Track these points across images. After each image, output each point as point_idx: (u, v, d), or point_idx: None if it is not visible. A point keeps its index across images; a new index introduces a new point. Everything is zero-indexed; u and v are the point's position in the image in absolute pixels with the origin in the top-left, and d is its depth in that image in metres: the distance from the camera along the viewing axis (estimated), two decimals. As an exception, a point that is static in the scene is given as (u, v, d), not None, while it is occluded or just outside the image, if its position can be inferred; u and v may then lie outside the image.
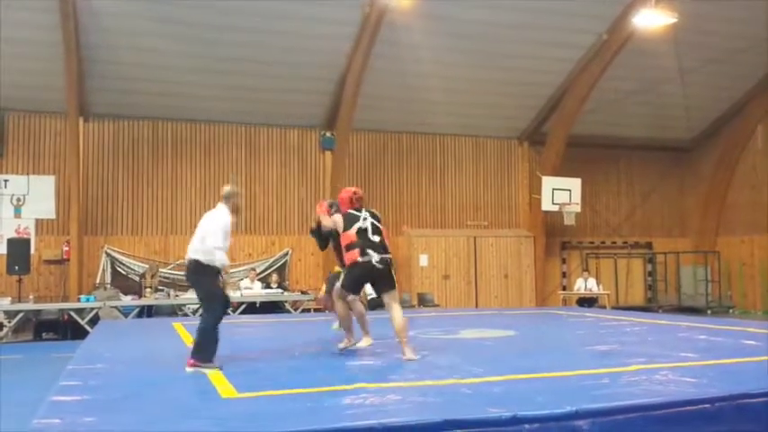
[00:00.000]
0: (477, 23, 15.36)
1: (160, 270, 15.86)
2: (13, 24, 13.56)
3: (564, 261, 20.10)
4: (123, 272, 15.87)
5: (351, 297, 6.86)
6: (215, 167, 16.97)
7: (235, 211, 6.37)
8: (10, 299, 14.29)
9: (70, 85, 14.48)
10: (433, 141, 18.81)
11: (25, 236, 15.18)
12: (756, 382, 4.68)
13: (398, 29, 14.93)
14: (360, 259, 6.46)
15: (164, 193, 16.59)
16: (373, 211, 6.97)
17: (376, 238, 6.60)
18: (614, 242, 20.52)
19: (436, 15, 14.83)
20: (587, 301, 17.43)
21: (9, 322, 13.61)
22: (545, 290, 19.19)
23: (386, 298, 6.64)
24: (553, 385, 4.83)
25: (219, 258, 6.05)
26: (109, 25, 14.23)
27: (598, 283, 18.37)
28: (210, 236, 6.06)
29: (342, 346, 6.88)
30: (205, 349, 5.84)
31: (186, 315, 14.31)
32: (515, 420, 3.83)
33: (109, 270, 15.75)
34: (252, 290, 15.51)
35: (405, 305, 16.79)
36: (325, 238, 7.60)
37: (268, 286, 15.86)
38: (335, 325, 8.17)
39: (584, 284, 17.96)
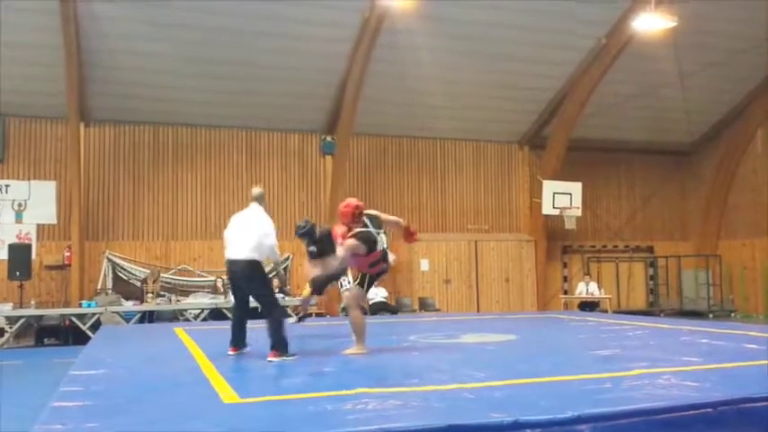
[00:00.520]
0: (476, 27, 15.39)
1: (161, 275, 15.87)
2: (13, 29, 13.61)
3: (565, 265, 20.10)
4: (125, 277, 15.88)
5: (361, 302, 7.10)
6: (216, 172, 16.99)
7: (267, 211, 6.93)
8: (11, 304, 14.31)
9: (71, 90, 14.51)
10: (434, 145, 18.83)
11: (26, 241, 15.19)
12: (759, 386, 4.67)
13: (398, 33, 14.97)
14: (384, 266, 6.90)
15: (165, 197, 16.61)
16: (372, 215, 6.88)
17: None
18: (615, 246, 20.51)
19: (436, 19, 14.86)
20: (589, 305, 17.41)
21: (10, 328, 13.61)
22: (546, 294, 19.18)
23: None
24: (555, 390, 4.81)
25: (278, 256, 6.76)
26: (110, 30, 14.26)
27: (599, 287, 18.37)
28: (268, 237, 6.55)
29: (351, 352, 6.84)
30: (282, 343, 6.32)
31: (188, 320, 14.30)
32: (517, 425, 3.81)
33: (110, 275, 15.76)
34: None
35: (406, 309, 16.83)
36: (321, 251, 7.76)
37: (269, 291, 15.81)
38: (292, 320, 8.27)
39: (586, 288, 17.95)
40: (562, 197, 18.50)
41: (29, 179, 15.65)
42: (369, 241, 6.60)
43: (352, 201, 6.87)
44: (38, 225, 15.58)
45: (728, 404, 4.27)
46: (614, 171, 20.66)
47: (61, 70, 14.25)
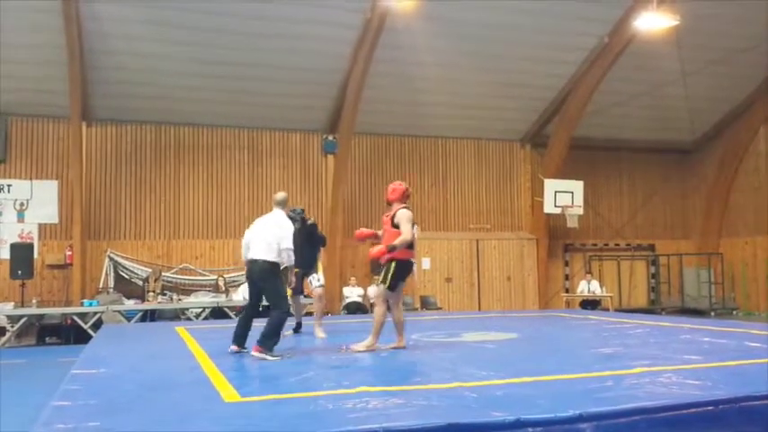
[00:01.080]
0: (478, 26, 15.38)
1: (163, 274, 15.88)
2: (16, 29, 13.62)
3: (567, 263, 20.08)
4: (126, 276, 15.88)
5: (392, 301, 7.09)
6: (217, 171, 17.00)
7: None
8: (13, 303, 14.33)
9: (73, 90, 14.51)
10: (435, 144, 18.82)
11: (28, 240, 15.21)
12: (761, 384, 4.66)
13: (400, 33, 14.95)
14: (411, 258, 6.96)
15: (166, 197, 16.62)
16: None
17: None
18: (617, 244, 20.50)
19: (437, 19, 14.85)
20: (590, 304, 17.40)
21: (12, 327, 13.62)
22: (548, 292, 19.17)
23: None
24: (557, 388, 4.81)
25: (292, 259, 6.90)
26: (112, 30, 14.26)
27: (601, 286, 18.35)
28: (285, 240, 6.85)
29: (360, 347, 6.97)
30: (271, 340, 6.54)
31: (189, 319, 14.31)
32: (519, 424, 3.82)
33: (112, 274, 15.77)
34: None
35: (407, 308, 16.82)
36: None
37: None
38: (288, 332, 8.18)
39: (588, 287, 17.94)
40: (564, 196, 18.48)
41: (31, 179, 15.67)
42: (412, 219, 6.92)
43: (401, 182, 7.34)
44: (40, 224, 15.60)
45: (730, 402, 4.27)
46: (616, 169, 20.64)
47: (63, 70, 14.26)
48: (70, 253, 15.40)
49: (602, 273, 19.92)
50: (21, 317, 13.68)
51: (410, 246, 6.86)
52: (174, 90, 15.67)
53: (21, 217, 15.51)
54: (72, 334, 13.96)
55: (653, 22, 14.43)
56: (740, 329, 8.94)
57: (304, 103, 16.81)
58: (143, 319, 14.41)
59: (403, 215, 6.89)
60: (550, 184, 18.40)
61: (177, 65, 15.05)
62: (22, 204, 15.55)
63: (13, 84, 14.58)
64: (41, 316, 14.21)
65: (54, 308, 14.63)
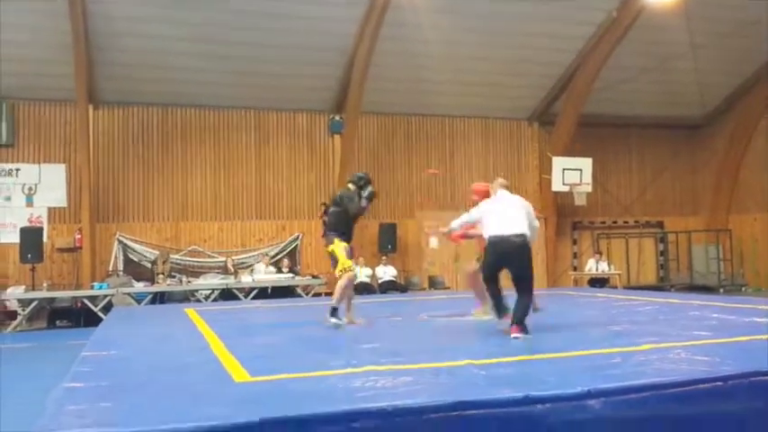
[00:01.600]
0: (484, 3, 15.24)
1: (172, 256, 15.95)
2: (20, 14, 13.58)
3: (575, 242, 20.04)
4: (135, 259, 15.96)
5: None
6: (224, 152, 17.00)
7: None
8: (24, 287, 14.44)
9: (79, 73, 14.49)
10: (443, 123, 18.74)
11: (38, 224, 15.27)
12: (770, 360, 4.65)
13: (405, 10, 14.82)
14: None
15: (174, 179, 16.65)
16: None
17: None
18: (626, 222, 20.43)
19: (443, -4, 14.70)
20: (599, 281, 17.39)
21: (23, 310, 13.74)
22: (556, 271, 19.16)
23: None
24: (565, 365, 4.82)
25: (535, 237, 6.83)
26: (116, 12, 14.21)
27: (609, 264, 18.31)
28: (533, 218, 6.77)
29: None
30: (525, 318, 6.40)
31: (199, 301, 14.39)
32: (528, 401, 3.83)
33: (121, 257, 15.85)
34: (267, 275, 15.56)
35: (415, 288, 16.86)
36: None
37: (279, 271, 15.91)
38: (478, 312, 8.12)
39: (596, 266, 17.91)
40: (572, 173, 18.38)
41: (39, 163, 15.70)
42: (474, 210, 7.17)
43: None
44: (48, 208, 15.65)
45: (739, 378, 4.27)
46: (625, 146, 20.51)
47: (69, 53, 14.22)
48: (79, 236, 15.47)
49: (610, 250, 19.87)
50: (31, 300, 13.79)
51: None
52: (179, 72, 15.62)
53: (29, 201, 15.57)
54: (82, 317, 14.06)
55: (662, -4, 14.26)
56: (749, 305, 8.91)
57: (310, 83, 16.74)
58: (153, 301, 14.50)
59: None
60: (558, 162, 18.30)
61: (183, 46, 14.99)
62: (30, 189, 15.61)
63: (19, 68, 14.56)
64: (52, 299, 14.32)
65: (64, 291, 14.72)
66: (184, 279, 15.20)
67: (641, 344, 5.56)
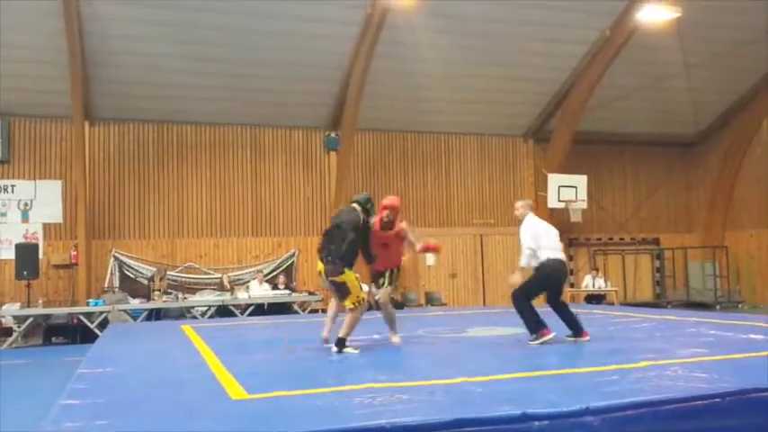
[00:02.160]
0: (479, 21, 15.35)
1: (168, 273, 15.91)
2: (17, 30, 13.64)
3: (571, 258, 20.01)
4: (131, 275, 15.91)
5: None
6: (220, 169, 17.02)
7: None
8: (19, 304, 14.36)
9: (75, 90, 14.53)
10: (438, 140, 18.80)
11: (33, 241, 15.23)
12: (766, 377, 4.66)
13: (401, 28, 14.92)
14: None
15: (170, 195, 16.64)
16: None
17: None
18: (622, 238, 20.47)
19: (438, 14, 14.82)
20: (595, 298, 17.38)
21: (19, 327, 13.67)
22: (553, 287, 19.10)
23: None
24: (562, 382, 4.81)
25: None
26: (112, 30, 14.27)
27: (606, 281, 18.31)
28: None
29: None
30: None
31: (195, 317, 14.34)
32: (525, 418, 3.82)
33: (117, 274, 15.81)
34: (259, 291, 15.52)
35: (412, 304, 16.84)
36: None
37: (275, 287, 15.88)
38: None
39: (593, 282, 17.91)
40: (567, 190, 18.44)
41: (34, 179, 15.69)
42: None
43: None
44: (44, 224, 15.62)
45: (737, 394, 4.27)
46: (619, 163, 20.60)
47: (65, 70, 14.27)
48: (75, 253, 15.43)
49: (606, 267, 19.88)
50: (27, 317, 13.72)
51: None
52: (175, 88, 15.67)
53: (25, 217, 15.55)
54: (78, 333, 13.99)
55: (655, 15, 14.41)
56: (746, 322, 8.93)
57: (306, 99, 16.80)
58: (149, 317, 14.44)
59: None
60: (554, 179, 18.37)
61: (178, 63, 15.05)
62: (26, 205, 15.59)
63: (16, 84, 14.60)
64: (48, 316, 14.25)
65: (60, 308, 14.67)
66: (180, 296, 15.15)
67: (639, 361, 5.56)
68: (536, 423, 3.81)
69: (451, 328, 8.87)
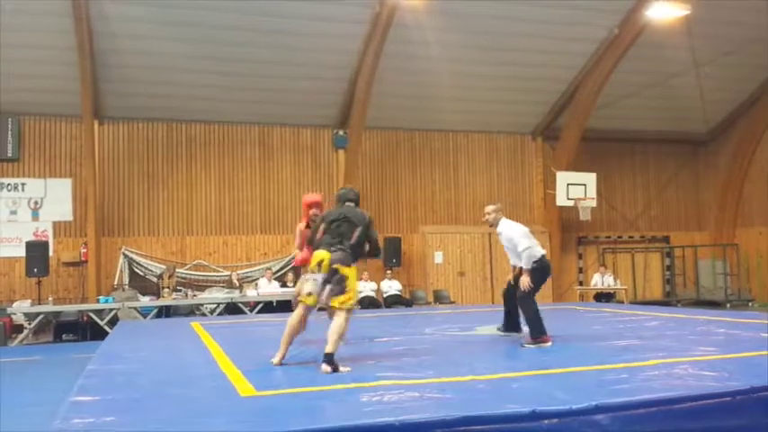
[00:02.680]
0: (487, 19, 15.32)
1: (177, 270, 15.97)
2: (27, 31, 13.73)
3: (580, 256, 20.01)
4: (141, 273, 15.98)
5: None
6: (229, 167, 17.06)
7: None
8: (30, 301, 14.46)
9: (85, 89, 14.61)
10: (446, 138, 18.78)
11: (43, 239, 15.32)
12: (777, 375, 4.63)
13: (409, 27, 14.92)
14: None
15: (179, 193, 16.70)
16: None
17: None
18: (631, 237, 20.40)
19: (446, 12, 14.81)
20: (604, 296, 17.33)
21: (29, 324, 13.75)
22: (561, 285, 19.11)
23: None
24: (571, 380, 4.80)
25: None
26: (121, 30, 14.33)
27: (615, 279, 18.25)
28: None
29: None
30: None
31: (204, 315, 14.38)
32: (534, 416, 3.81)
33: (127, 271, 15.88)
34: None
35: (420, 302, 16.84)
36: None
37: (284, 285, 15.89)
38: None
39: (602, 280, 17.86)
40: (576, 188, 18.38)
41: (45, 177, 15.79)
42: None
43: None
44: (54, 222, 15.72)
45: (747, 393, 4.25)
46: (629, 161, 20.53)
47: (75, 70, 14.35)
48: (85, 250, 15.51)
49: (616, 265, 19.83)
50: (37, 314, 13.79)
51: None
52: (184, 87, 15.72)
53: (35, 215, 15.64)
54: (88, 331, 14.05)
55: (664, 12, 14.35)
56: (756, 320, 8.87)
57: (314, 98, 16.82)
58: (158, 315, 14.49)
59: None
60: (563, 177, 18.32)
61: (187, 62, 15.09)
62: (36, 203, 15.68)
63: (26, 84, 14.69)
64: (58, 313, 14.31)
65: (70, 305, 14.75)
66: (189, 293, 15.20)
67: (648, 359, 5.54)
68: (545, 421, 3.81)
69: (460, 327, 8.86)
